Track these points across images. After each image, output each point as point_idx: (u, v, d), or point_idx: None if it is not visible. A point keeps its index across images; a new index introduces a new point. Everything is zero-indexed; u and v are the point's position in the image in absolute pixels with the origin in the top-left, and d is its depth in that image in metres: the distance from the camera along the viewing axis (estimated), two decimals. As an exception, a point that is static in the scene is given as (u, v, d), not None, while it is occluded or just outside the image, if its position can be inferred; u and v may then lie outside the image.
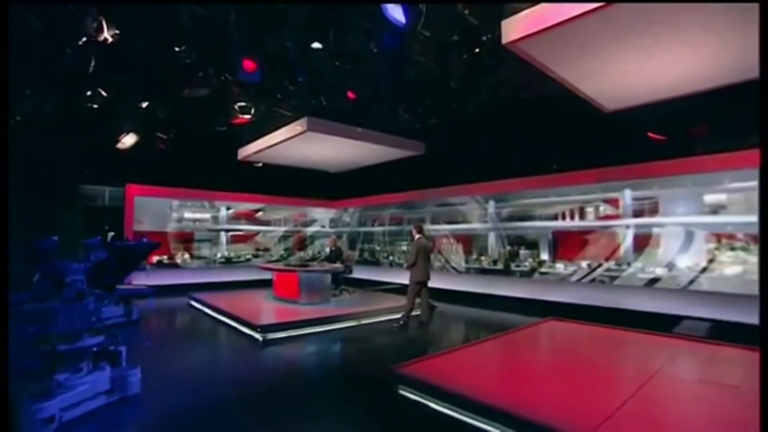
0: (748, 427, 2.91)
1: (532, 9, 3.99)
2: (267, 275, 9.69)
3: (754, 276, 6.15)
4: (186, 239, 11.89)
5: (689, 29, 4.14)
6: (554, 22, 3.92)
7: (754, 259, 6.23)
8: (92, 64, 5.64)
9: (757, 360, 4.29)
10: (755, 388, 3.62)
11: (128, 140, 9.38)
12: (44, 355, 3.20)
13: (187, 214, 11.94)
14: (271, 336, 6.22)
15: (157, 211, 11.07)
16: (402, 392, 3.88)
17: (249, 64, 5.26)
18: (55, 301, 3.23)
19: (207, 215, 12.33)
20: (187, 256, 11.55)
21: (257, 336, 6.21)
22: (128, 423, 3.40)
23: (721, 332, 5.80)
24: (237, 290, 10.50)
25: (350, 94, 6.60)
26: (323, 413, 3.66)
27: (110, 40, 5.40)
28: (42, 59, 6.31)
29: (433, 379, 3.80)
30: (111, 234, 9.94)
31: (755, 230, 6.32)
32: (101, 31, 5.29)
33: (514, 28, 4.13)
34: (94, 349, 3.48)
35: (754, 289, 6.02)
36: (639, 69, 5.07)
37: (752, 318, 5.79)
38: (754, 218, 6.33)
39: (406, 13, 4.63)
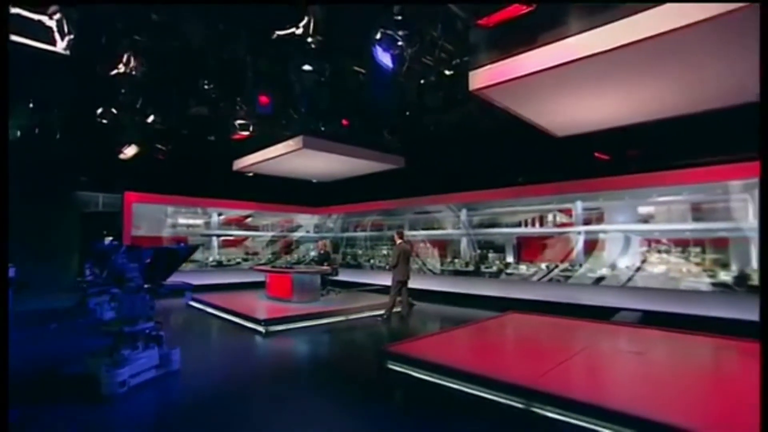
0: (638, 380, 4.09)
1: (493, 65, 5.10)
2: (255, 277, 10.45)
3: (675, 274, 7.51)
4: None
5: (627, 79, 5.19)
6: (512, 76, 5.00)
7: (675, 260, 7.59)
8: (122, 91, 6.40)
9: (661, 336, 5.59)
10: (653, 354, 4.88)
11: (130, 151, 10.03)
12: (113, 335, 4.06)
13: (181, 220, 12.58)
14: (272, 329, 7.11)
15: (153, 217, 11.71)
16: (390, 366, 4.88)
17: (264, 99, 6.16)
18: (120, 294, 4.08)
19: (200, 221, 12.99)
20: (180, 259, 12.19)
21: (260, 329, 7.07)
22: (178, 389, 4.28)
23: (648, 319, 7.09)
24: (230, 291, 11.26)
25: (344, 121, 7.55)
26: (327, 383, 4.66)
27: (135, 73, 6.20)
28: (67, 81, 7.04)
29: (415, 354, 4.81)
30: (110, 239, 10.58)
31: (676, 236, 7.71)
32: (129, 62, 6.10)
33: (478, 78, 5.23)
34: (146, 331, 4.34)
35: (675, 285, 7.43)
36: (582, 109, 6.28)
37: (671, 307, 7.18)
38: (675, 226, 7.74)
39: (393, 59, 5.66)
